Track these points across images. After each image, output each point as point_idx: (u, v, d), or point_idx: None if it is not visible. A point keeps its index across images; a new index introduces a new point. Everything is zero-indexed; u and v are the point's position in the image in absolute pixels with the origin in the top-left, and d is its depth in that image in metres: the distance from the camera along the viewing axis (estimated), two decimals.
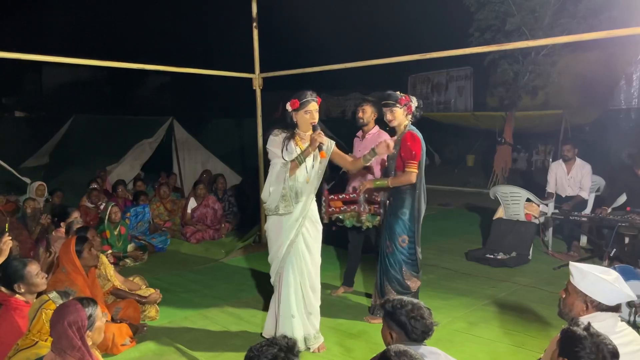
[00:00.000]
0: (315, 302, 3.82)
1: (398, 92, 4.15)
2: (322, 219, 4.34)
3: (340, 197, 4.47)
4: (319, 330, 3.85)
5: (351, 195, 4.43)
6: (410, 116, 4.12)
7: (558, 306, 2.50)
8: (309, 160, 3.68)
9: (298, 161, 3.60)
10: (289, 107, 3.67)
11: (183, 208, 7.75)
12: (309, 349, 3.77)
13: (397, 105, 4.04)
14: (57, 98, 22.80)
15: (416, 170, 3.95)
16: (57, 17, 20.69)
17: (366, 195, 4.29)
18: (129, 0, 19.12)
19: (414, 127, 4.12)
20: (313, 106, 3.64)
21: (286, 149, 3.65)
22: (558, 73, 10.97)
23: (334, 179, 4.99)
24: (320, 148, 3.60)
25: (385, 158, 4.36)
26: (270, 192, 3.67)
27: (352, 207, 4.34)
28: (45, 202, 7.25)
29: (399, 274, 4.07)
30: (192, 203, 7.64)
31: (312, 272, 3.75)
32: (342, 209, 4.38)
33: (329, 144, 3.76)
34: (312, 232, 3.75)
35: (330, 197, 4.42)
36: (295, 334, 3.68)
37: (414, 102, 4.10)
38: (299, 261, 3.71)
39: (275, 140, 3.69)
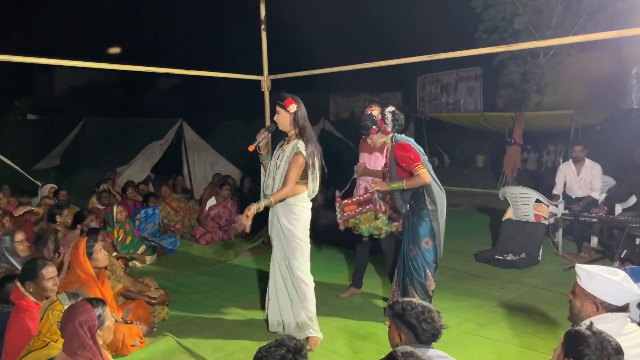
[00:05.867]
0: (295, 295, 3.93)
1: (374, 113, 4.11)
2: (338, 225, 4.31)
3: (354, 199, 4.33)
4: (303, 322, 3.92)
5: (365, 195, 4.29)
6: (391, 132, 4.07)
7: (569, 310, 2.49)
8: (276, 160, 3.95)
9: (261, 160, 4.04)
10: None
11: (202, 203, 7.89)
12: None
13: (370, 133, 4.09)
14: (69, 101, 23.05)
15: (424, 170, 3.89)
16: (68, 20, 20.87)
17: (380, 194, 4.20)
18: (139, 4, 19.26)
19: (400, 136, 4.06)
20: (276, 109, 3.90)
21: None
22: (567, 73, 10.88)
23: (346, 185, 4.90)
24: (251, 142, 3.91)
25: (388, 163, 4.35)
26: None
27: (367, 207, 4.21)
28: None
29: (423, 278, 4.00)
30: (212, 201, 7.71)
31: (291, 264, 3.90)
32: (357, 210, 4.23)
33: (290, 150, 3.85)
34: (286, 225, 3.88)
35: (343, 203, 4.30)
36: (269, 317, 4.05)
37: (388, 122, 4.02)
38: (280, 252, 3.97)
39: None
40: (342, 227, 4.32)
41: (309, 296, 3.92)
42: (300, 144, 3.82)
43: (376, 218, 4.23)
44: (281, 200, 3.83)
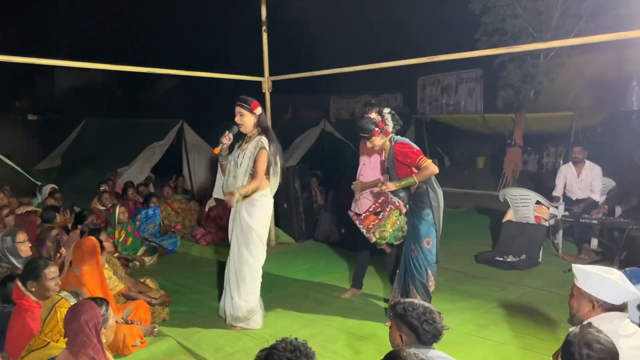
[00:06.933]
0: (236, 287, 4.15)
1: (373, 116, 4.08)
2: (369, 239, 4.10)
3: (370, 209, 4.14)
4: (242, 317, 4.17)
5: (379, 201, 4.12)
6: (392, 132, 4.11)
7: (569, 312, 2.49)
8: (236, 159, 4.15)
9: (221, 161, 4.25)
10: None
11: (202, 204, 7.94)
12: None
13: (373, 136, 4.07)
14: (69, 101, 23.06)
15: (430, 160, 3.91)
16: (69, 20, 20.89)
17: (391, 194, 4.09)
18: (140, 5, 19.27)
19: (399, 137, 4.11)
20: (236, 110, 4.11)
21: None
22: (568, 74, 10.89)
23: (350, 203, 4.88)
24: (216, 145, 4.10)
25: (385, 168, 4.34)
26: None
27: (388, 209, 4.00)
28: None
29: (424, 278, 4.00)
30: (211, 202, 7.74)
31: (241, 251, 4.12)
32: (380, 217, 4.03)
33: (253, 147, 4.05)
34: (246, 219, 4.08)
35: (362, 217, 4.13)
36: (225, 312, 4.27)
37: (389, 122, 4.05)
38: (236, 247, 4.18)
39: None
40: (374, 241, 4.09)
41: (248, 283, 4.11)
42: (264, 140, 4.04)
43: (400, 214, 4.04)
44: (249, 194, 3.99)
